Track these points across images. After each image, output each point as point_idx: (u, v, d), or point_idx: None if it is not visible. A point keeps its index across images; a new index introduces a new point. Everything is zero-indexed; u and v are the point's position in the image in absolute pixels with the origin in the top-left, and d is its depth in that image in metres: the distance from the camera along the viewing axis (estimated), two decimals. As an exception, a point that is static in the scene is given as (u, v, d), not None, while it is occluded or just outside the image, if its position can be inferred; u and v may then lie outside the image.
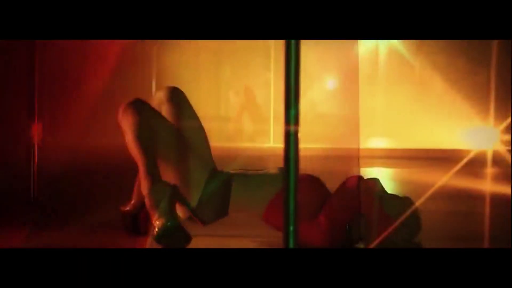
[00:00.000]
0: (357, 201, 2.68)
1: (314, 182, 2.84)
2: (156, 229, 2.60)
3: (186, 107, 2.95)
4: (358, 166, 2.98)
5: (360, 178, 2.76)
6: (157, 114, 2.84)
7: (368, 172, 5.34)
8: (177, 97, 2.95)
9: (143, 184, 2.68)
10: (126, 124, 2.74)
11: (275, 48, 7.80)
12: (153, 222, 2.63)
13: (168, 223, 2.60)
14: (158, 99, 2.96)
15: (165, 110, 2.92)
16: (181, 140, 2.84)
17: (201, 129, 2.96)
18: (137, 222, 2.90)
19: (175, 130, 2.86)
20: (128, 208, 2.91)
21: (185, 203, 2.77)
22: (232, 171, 2.90)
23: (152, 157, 2.73)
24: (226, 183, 2.83)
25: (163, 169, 2.77)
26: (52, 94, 6.67)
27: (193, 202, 2.79)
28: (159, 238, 2.59)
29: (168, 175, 2.77)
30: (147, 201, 2.65)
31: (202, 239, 2.80)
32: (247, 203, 2.84)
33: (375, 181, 2.76)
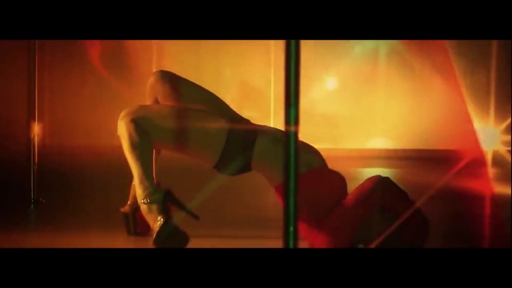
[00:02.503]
0: (372, 200, 2.67)
1: (340, 179, 2.84)
2: (154, 233, 2.65)
3: (177, 81, 2.96)
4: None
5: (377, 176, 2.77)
6: (153, 115, 2.84)
7: (367, 172, 5.34)
8: (165, 76, 2.96)
9: (137, 192, 2.74)
10: (121, 134, 2.78)
11: (275, 48, 7.80)
12: (151, 226, 2.70)
13: (165, 226, 2.65)
14: (150, 85, 2.98)
15: (158, 92, 2.94)
16: (186, 114, 2.85)
17: (202, 91, 2.97)
18: (135, 222, 2.93)
19: (175, 112, 2.86)
20: (125, 209, 2.95)
21: (179, 205, 2.80)
22: (259, 126, 2.90)
23: (148, 165, 2.76)
24: (251, 136, 2.83)
25: (179, 148, 2.82)
26: (52, 94, 6.67)
27: (216, 156, 2.80)
28: (157, 241, 2.65)
29: (185, 149, 2.83)
30: (142, 208, 2.72)
31: (202, 240, 2.80)
32: (268, 164, 2.81)
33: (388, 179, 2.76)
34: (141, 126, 2.77)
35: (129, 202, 2.95)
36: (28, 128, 3.64)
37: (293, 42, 1.75)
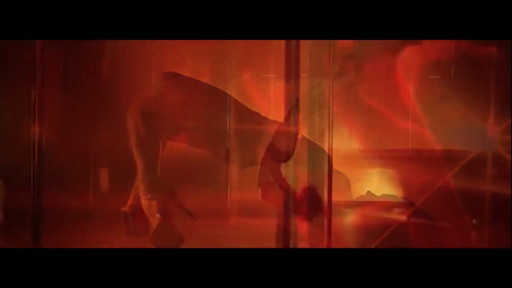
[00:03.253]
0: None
1: (343, 180, 2.85)
2: (152, 231, 2.67)
3: (183, 80, 2.98)
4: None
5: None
6: (162, 109, 2.85)
7: (367, 172, 5.32)
8: (171, 75, 2.98)
9: (141, 188, 2.74)
10: (129, 127, 2.79)
11: (275, 48, 7.79)
12: (149, 223, 2.71)
13: (162, 225, 2.66)
14: (157, 85, 2.99)
15: (165, 91, 2.95)
16: (194, 109, 2.86)
17: (208, 87, 2.98)
18: (135, 222, 2.93)
19: (183, 107, 2.87)
20: (125, 209, 2.95)
21: (180, 205, 2.81)
22: (268, 120, 2.91)
23: (153, 161, 2.77)
24: (259, 129, 2.83)
25: (188, 142, 2.83)
26: (52, 94, 6.66)
27: (224, 150, 2.81)
28: (153, 239, 2.66)
29: (194, 142, 2.84)
30: (143, 203, 2.72)
31: (201, 240, 2.80)
32: (274, 159, 2.81)
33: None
34: (150, 120, 2.77)
35: (129, 202, 2.94)
36: (28, 128, 3.64)
37: (293, 42, 1.76)
